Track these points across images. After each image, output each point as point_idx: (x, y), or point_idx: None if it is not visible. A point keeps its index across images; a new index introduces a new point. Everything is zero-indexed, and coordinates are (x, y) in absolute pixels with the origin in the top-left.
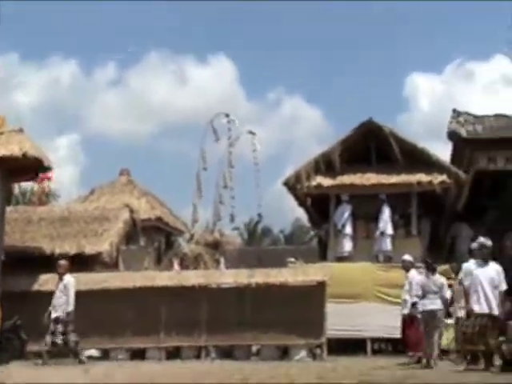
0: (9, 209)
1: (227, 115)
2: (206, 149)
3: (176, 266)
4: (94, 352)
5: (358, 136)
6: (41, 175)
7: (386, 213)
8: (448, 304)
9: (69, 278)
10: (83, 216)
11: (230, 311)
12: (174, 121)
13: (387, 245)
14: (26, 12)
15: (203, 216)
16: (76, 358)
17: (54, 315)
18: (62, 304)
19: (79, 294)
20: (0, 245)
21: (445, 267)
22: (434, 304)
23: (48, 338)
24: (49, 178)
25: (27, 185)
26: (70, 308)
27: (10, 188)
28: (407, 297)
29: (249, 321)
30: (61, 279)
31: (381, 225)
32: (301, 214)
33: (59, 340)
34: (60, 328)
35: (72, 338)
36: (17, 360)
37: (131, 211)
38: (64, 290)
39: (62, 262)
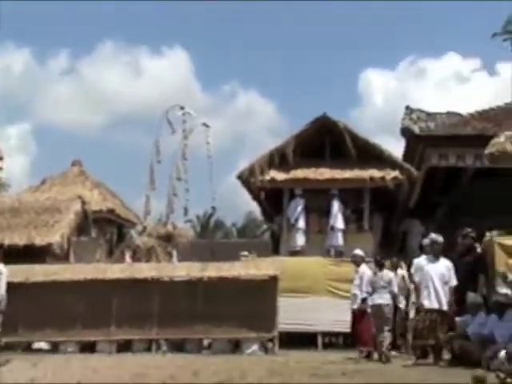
0: None
1: (182, 107)
2: (160, 141)
3: (128, 258)
4: (43, 345)
5: (312, 131)
6: None
7: (336, 207)
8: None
9: (1, 268)
10: (34, 207)
11: (182, 304)
12: (127, 112)
13: (338, 239)
14: None
15: (156, 208)
16: None
17: None
18: None
19: (30, 286)
20: None
21: (393, 259)
22: (382, 298)
23: None
24: None
25: None
26: None
27: None
28: (357, 291)
29: (201, 314)
30: None
31: (331, 219)
32: (254, 207)
33: None
34: None
35: None
36: None
37: (83, 202)
38: None
39: None
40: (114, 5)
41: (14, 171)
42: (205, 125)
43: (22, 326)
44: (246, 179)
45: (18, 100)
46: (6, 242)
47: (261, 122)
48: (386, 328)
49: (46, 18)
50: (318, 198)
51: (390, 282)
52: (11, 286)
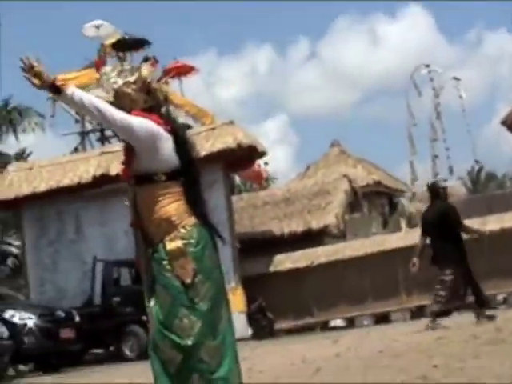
0: (234, 198)
1: (427, 65)
2: (412, 104)
3: (404, 226)
4: (339, 322)
5: None
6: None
7: None
8: None
9: None
10: (304, 193)
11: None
12: (374, 83)
13: None
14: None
15: (422, 172)
16: None
17: None
18: None
19: (315, 269)
20: (232, 233)
21: None
22: None
23: None
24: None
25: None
26: None
27: (231, 178)
28: None
29: (489, 269)
30: None
31: None
32: None
33: None
34: None
35: None
36: (267, 339)
37: (349, 180)
38: None
39: None
40: None
41: (278, 163)
42: (455, 78)
43: (317, 307)
44: (510, 123)
45: (270, 95)
46: (286, 230)
47: None
48: None
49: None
50: None
51: None
52: (299, 272)
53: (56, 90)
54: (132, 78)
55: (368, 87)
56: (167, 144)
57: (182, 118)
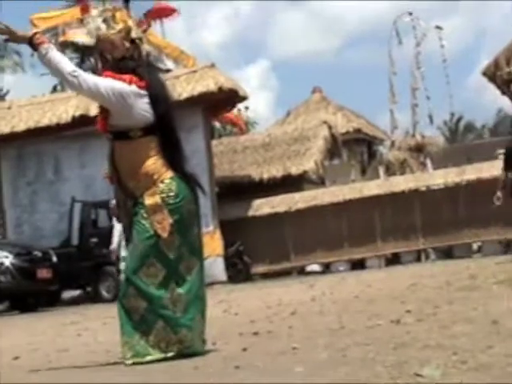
0: (214, 142)
1: (410, 13)
2: (393, 52)
3: (382, 174)
4: (315, 267)
5: None
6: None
7: None
8: None
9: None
10: (284, 139)
11: (445, 212)
12: (358, 30)
13: None
14: None
15: (401, 121)
16: None
17: None
18: None
19: (294, 214)
20: (212, 177)
21: None
22: None
23: None
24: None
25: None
26: None
27: (211, 122)
28: None
29: (465, 218)
30: None
31: None
32: (504, 103)
33: None
34: None
35: None
36: (243, 282)
37: (329, 127)
38: None
39: None
40: None
41: (259, 108)
42: (437, 27)
43: (294, 252)
44: (491, 74)
45: (252, 40)
46: (265, 175)
47: (504, 11)
48: None
49: None
50: None
51: None
52: (277, 216)
53: (32, 46)
54: (117, 27)
55: (352, 33)
56: (140, 101)
57: (163, 61)
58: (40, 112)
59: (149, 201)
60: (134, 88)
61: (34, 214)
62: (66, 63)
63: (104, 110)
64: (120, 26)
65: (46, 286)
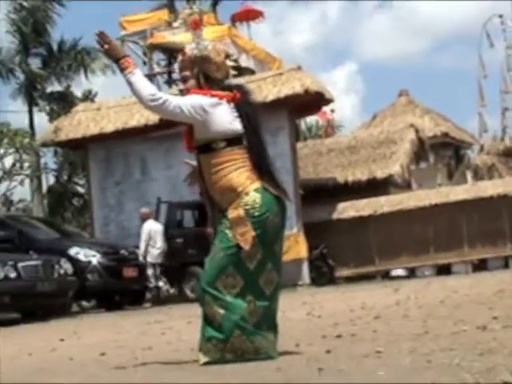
0: (299, 145)
1: (500, 16)
2: (484, 55)
3: (469, 179)
4: (400, 272)
5: None
6: (323, 109)
7: None
8: None
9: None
10: (370, 142)
11: None
12: (447, 32)
13: None
14: None
15: (490, 125)
16: None
17: None
18: None
19: (378, 218)
20: (296, 180)
21: None
22: None
23: None
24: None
25: (311, 119)
26: None
27: (296, 125)
28: None
29: None
30: None
31: None
32: None
33: None
34: None
35: None
36: (327, 285)
37: (416, 130)
38: None
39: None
40: None
41: (345, 111)
42: None
43: (378, 256)
44: None
45: (339, 42)
46: (350, 178)
47: None
48: None
49: None
50: None
51: None
52: (362, 220)
53: (118, 66)
54: (222, 48)
55: (440, 35)
56: (222, 112)
57: (248, 62)
58: (128, 113)
59: (232, 214)
60: (213, 99)
61: (120, 214)
62: (146, 87)
63: (189, 128)
64: (222, 56)
65: (131, 284)
